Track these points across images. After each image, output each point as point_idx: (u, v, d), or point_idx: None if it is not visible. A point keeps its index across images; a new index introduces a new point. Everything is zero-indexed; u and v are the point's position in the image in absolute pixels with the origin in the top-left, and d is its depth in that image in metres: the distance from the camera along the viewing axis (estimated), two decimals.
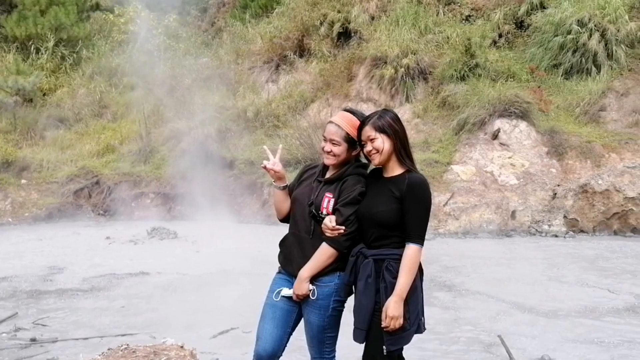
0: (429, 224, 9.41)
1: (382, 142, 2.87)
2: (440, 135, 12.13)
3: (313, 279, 3.02)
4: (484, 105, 11.71)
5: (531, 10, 13.85)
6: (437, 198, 10.62)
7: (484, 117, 11.63)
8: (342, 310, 3.12)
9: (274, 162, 3.13)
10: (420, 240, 2.85)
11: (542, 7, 13.70)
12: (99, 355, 2.86)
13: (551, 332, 5.40)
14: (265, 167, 3.10)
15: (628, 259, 8.40)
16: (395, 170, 2.93)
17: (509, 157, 11.17)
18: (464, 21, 14.54)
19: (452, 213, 10.49)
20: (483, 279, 7.35)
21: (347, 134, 2.97)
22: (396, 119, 2.97)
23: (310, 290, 3.01)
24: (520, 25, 14.02)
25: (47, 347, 5.04)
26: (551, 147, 11.29)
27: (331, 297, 3.03)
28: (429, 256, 8.68)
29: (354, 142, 3.00)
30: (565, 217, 10.33)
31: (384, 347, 2.80)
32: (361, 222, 2.92)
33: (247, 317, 5.77)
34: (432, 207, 10.97)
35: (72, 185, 12.76)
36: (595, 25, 12.43)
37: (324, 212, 2.97)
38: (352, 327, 2.90)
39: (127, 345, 3.18)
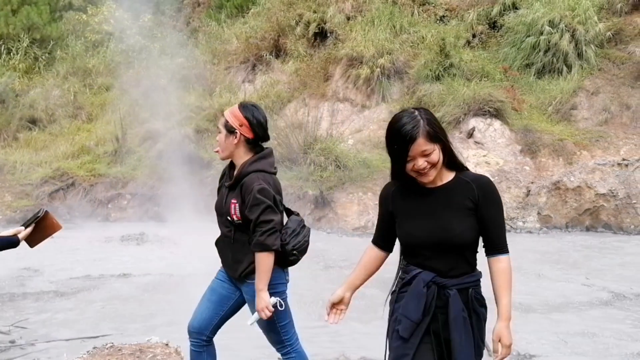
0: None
1: (438, 154, 2.33)
2: None
3: (244, 275, 3.11)
4: (459, 105, 11.88)
5: (504, 11, 14.07)
6: None
7: (459, 116, 11.81)
8: (285, 299, 3.21)
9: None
10: (507, 248, 2.47)
11: (515, 7, 13.94)
12: (85, 354, 2.88)
13: (526, 326, 5.53)
14: None
15: (600, 254, 8.64)
16: (444, 176, 2.43)
17: (484, 155, 11.35)
18: (438, 21, 14.71)
19: None
20: None
21: (226, 120, 3.07)
22: (436, 119, 2.44)
23: (276, 301, 3.09)
24: (493, 25, 14.24)
25: (26, 349, 5.01)
26: (524, 145, 11.51)
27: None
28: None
29: (231, 130, 3.06)
30: (539, 213, 10.55)
31: None
32: (426, 249, 2.39)
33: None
34: None
35: (46, 187, 12.60)
36: (565, 26, 12.68)
37: (235, 218, 3.06)
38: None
39: (113, 343, 3.20)
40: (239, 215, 3.03)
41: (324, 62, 14.46)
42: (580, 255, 8.60)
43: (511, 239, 9.18)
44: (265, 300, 3.03)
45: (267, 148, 3.23)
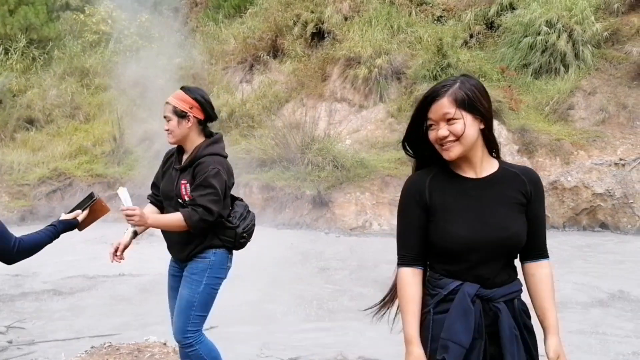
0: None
1: (463, 125, 1.92)
2: None
3: (191, 255, 3.07)
4: None
5: (501, 11, 14.09)
6: None
7: None
8: (216, 291, 3.14)
9: (134, 210, 2.96)
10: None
11: (512, 8, 13.96)
12: (83, 354, 2.89)
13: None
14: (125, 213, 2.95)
15: (598, 254, 8.66)
16: (490, 165, 2.05)
17: None
18: (435, 22, 14.73)
19: None
20: None
21: (174, 106, 3.06)
22: (484, 91, 2.02)
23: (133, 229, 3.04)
24: (490, 25, 14.26)
25: (24, 349, 5.01)
26: (522, 145, 11.52)
27: (205, 272, 3.07)
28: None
29: (182, 114, 3.06)
30: None
31: None
32: (474, 253, 1.94)
33: (225, 316, 5.82)
34: None
35: (44, 187, 12.59)
36: (563, 26, 12.70)
37: (186, 198, 3.03)
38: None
39: (111, 343, 3.20)
40: (190, 195, 3.01)
41: (322, 63, 14.46)
42: (577, 254, 8.62)
43: None
44: (137, 217, 2.95)
45: (217, 133, 3.23)
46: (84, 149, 13.78)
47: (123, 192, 2.99)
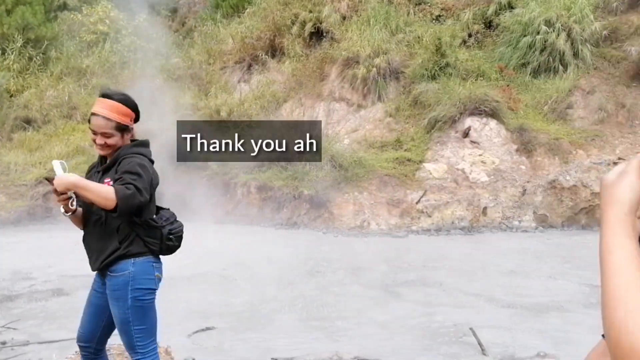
0: (402, 221, 9.52)
1: None
2: (412, 134, 12.25)
3: (106, 264, 2.85)
4: (455, 104, 11.87)
5: (500, 10, 14.07)
6: (410, 196, 10.73)
7: (455, 115, 11.79)
8: (149, 301, 2.92)
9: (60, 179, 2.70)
10: None
11: (511, 7, 13.94)
12: (74, 354, 2.85)
13: (521, 325, 5.51)
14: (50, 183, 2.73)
15: (595, 253, 8.61)
16: None
17: (480, 155, 11.34)
18: (434, 21, 14.70)
19: (424, 210, 10.60)
20: (454, 274, 7.46)
21: (118, 122, 2.88)
22: None
23: (69, 198, 2.71)
24: (489, 25, 14.24)
25: (17, 350, 4.96)
26: (520, 145, 11.49)
27: (127, 286, 2.85)
28: (403, 253, 8.79)
29: (124, 128, 2.91)
30: (534, 212, 10.54)
31: None
32: None
33: (222, 317, 5.78)
34: (404, 205, 10.97)
35: (41, 187, 12.52)
36: (562, 25, 12.68)
37: None
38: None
39: None
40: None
41: (320, 62, 14.44)
42: (578, 254, 8.58)
43: (507, 238, 9.20)
44: (64, 183, 2.68)
45: (145, 139, 3.09)
46: (81, 149, 13.72)
47: (57, 164, 2.77)
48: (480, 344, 4.89)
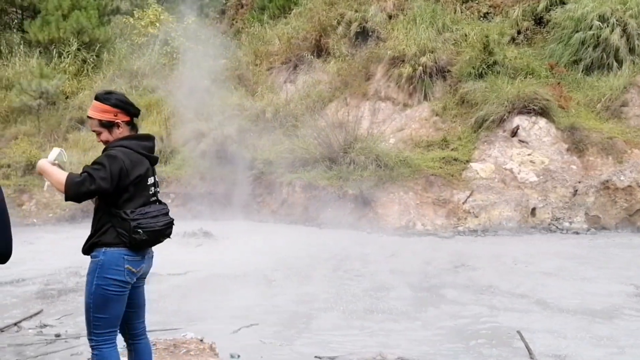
0: (448, 221, 9.43)
1: None
2: (459, 133, 12.08)
3: (88, 250, 2.97)
4: (503, 103, 11.64)
5: (550, 6, 13.72)
6: (456, 196, 10.59)
7: (503, 114, 11.56)
8: (114, 292, 2.91)
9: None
10: None
11: (562, 2, 13.57)
12: (121, 349, 2.94)
13: (571, 329, 5.36)
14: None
15: None
16: None
17: (529, 154, 11.08)
18: (482, 18, 14.46)
19: (471, 211, 10.44)
20: (502, 276, 7.32)
21: (100, 120, 3.01)
22: None
23: (59, 151, 2.97)
24: (539, 21, 13.90)
25: (71, 343, 5.14)
26: (571, 144, 11.18)
27: (95, 272, 2.91)
28: (448, 253, 8.68)
29: (110, 124, 3.01)
30: (586, 213, 10.23)
31: None
32: None
33: (266, 315, 5.85)
34: (451, 205, 10.85)
35: None
36: (616, 20, 12.29)
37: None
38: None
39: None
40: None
41: (366, 62, 14.39)
42: (630, 257, 8.28)
43: (557, 240, 8.98)
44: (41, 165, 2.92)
45: (147, 134, 3.17)
46: None
47: (54, 151, 3.02)
48: (528, 348, 4.79)
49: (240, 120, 13.74)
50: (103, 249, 2.91)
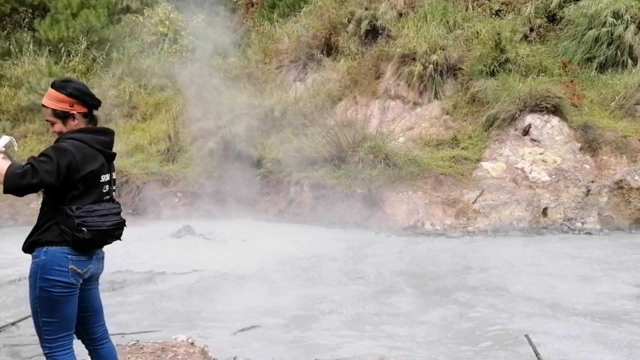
0: (457, 221, 9.24)
1: None
2: (470, 132, 11.89)
3: (28, 249, 2.81)
4: (514, 101, 11.44)
5: (564, 3, 13.48)
6: (466, 195, 10.41)
7: (515, 112, 11.36)
8: (60, 294, 2.75)
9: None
10: None
11: None
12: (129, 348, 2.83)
13: (581, 333, 5.19)
14: None
15: None
16: None
17: (541, 153, 10.88)
18: (493, 16, 14.24)
19: (481, 210, 10.26)
20: (512, 277, 7.14)
21: (53, 109, 2.87)
22: None
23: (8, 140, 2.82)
24: (552, 18, 13.66)
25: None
26: (584, 143, 10.95)
27: (36, 274, 2.74)
28: (457, 254, 8.51)
29: (65, 115, 2.87)
30: (599, 214, 10.01)
31: None
32: None
33: (268, 316, 5.73)
34: (460, 205, 10.66)
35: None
36: (631, 17, 12.04)
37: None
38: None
39: (137, 341, 3.13)
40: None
41: (376, 60, 14.23)
42: None
43: (569, 240, 8.75)
44: None
45: (104, 128, 3.01)
46: (140, 147, 14.05)
47: (3, 139, 2.83)
48: (536, 352, 4.63)
49: (248, 118, 13.64)
50: (44, 248, 2.75)
